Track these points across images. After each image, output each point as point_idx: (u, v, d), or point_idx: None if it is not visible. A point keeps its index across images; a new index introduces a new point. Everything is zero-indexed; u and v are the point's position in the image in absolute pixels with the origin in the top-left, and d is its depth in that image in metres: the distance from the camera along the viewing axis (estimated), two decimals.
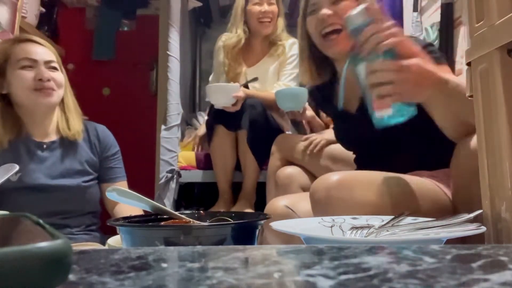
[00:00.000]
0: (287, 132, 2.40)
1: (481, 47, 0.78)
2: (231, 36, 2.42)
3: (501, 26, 0.73)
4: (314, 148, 1.84)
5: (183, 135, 2.71)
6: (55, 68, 1.42)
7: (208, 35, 3.77)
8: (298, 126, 2.65)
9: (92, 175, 1.46)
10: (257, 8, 2.33)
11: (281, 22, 2.40)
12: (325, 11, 1.26)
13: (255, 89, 2.39)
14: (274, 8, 2.35)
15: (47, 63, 1.41)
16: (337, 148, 1.85)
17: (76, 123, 1.46)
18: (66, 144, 1.44)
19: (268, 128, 2.22)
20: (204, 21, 3.76)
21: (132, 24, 3.97)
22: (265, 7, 2.32)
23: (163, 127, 2.48)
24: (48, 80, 1.38)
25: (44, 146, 1.42)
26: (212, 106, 2.28)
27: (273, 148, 1.97)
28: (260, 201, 2.18)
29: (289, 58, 2.43)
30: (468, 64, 0.83)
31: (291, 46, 2.43)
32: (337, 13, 1.25)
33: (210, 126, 2.32)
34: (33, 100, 1.38)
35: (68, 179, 1.40)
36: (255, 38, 2.42)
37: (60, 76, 1.43)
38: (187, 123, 2.96)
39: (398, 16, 2.51)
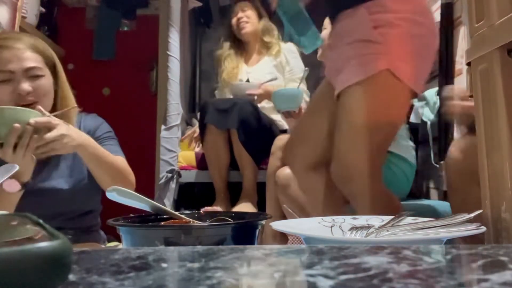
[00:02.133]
0: (287, 132, 2.41)
1: (481, 47, 0.78)
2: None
3: (501, 26, 0.73)
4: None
5: (183, 135, 2.71)
6: (37, 76, 1.26)
7: (208, 35, 3.77)
8: None
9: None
10: (234, 19, 2.65)
11: (262, 24, 2.64)
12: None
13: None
14: (248, 13, 2.63)
15: (27, 71, 1.24)
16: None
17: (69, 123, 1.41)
18: None
19: (260, 127, 2.24)
20: (204, 21, 3.76)
21: (132, 24, 3.97)
22: (239, 14, 2.62)
23: (163, 127, 2.48)
24: (28, 93, 1.23)
25: None
26: (203, 105, 2.33)
27: (273, 148, 1.97)
28: (261, 201, 2.19)
29: (290, 62, 2.56)
30: (468, 64, 0.83)
31: (289, 49, 2.61)
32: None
33: (201, 125, 2.34)
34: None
35: (66, 180, 1.38)
36: (247, 43, 2.65)
37: (43, 83, 1.27)
38: (187, 123, 2.96)
39: None
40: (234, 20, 2.63)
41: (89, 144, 1.28)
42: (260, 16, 2.63)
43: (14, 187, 1.16)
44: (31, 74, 1.25)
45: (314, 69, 2.33)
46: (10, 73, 1.23)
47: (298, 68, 2.54)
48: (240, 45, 2.67)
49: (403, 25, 1.27)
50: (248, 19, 2.60)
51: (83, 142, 1.26)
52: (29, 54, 1.26)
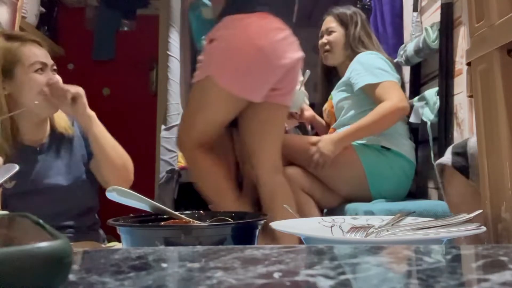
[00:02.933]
0: (288, 133, 2.41)
1: (481, 47, 0.78)
2: None
3: (501, 26, 0.73)
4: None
5: None
6: (55, 71, 1.41)
7: None
8: (301, 127, 2.66)
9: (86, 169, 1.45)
10: None
11: None
12: None
13: None
14: None
15: (51, 66, 1.39)
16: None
17: (61, 120, 1.44)
18: (57, 144, 1.42)
19: None
20: None
21: (132, 24, 3.97)
22: None
23: (163, 127, 2.48)
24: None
25: (38, 148, 1.39)
26: None
27: None
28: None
29: None
30: (468, 64, 0.83)
31: None
32: None
33: None
34: (41, 105, 1.34)
35: (64, 178, 1.38)
36: None
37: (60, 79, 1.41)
38: None
39: (398, 16, 2.51)
40: None
41: (95, 117, 1.39)
42: None
43: None
44: (53, 69, 1.40)
45: (314, 71, 2.32)
46: (44, 64, 1.37)
47: None
48: None
49: (224, 40, 1.65)
50: None
51: (94, 115, 1.38)
52: (46, 52, 1.41)
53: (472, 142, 1.03)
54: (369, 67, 1.94)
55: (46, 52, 1.40)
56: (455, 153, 1.07)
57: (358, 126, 1.87)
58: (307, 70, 2.11)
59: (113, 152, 1.39)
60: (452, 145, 1.12)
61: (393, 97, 1.84)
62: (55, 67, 1.41)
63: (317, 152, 1.84)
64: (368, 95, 1.94)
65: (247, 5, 1.65)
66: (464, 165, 1.04)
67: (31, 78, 1.34)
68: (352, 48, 2.06)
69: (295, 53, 1.71)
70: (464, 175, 1.04)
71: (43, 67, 1.36)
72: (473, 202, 1.02)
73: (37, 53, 1.37)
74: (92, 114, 1.38)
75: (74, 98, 1.34)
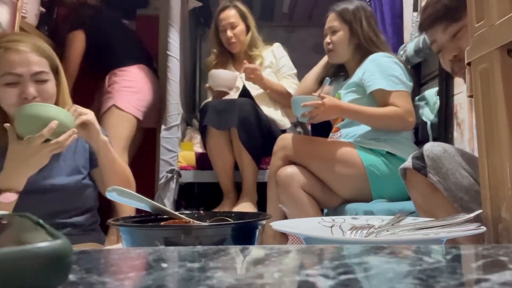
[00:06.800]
0: (288, 132, 2.41)
1: (481, 47, 0.78)
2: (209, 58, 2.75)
3: (501, 26, 0.73)
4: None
5: (183, 135, 2.71)
6: (43, 80, 1.29)
7: (208, 35, 3.76)
8: (303, 126, 2.65)
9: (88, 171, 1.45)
10: (223, 34, 2.59)
11: (249, 37, 2.60)
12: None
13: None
14: (237, 30, 2.57)
15: (34, 75, 1.27)
16: (341, 150, 1.86)
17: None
18: None
19: (260, 126, 2.24)
20: (204, 21, 3.76)
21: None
22: (228, 33, 2.57)
23: (163, 127, 2.48)
24: (34, 97, 1.26)
25: None
26: (202, 107, 2.33)
27: (275, 147, 1.97)
28: (261, 201, 2.19)
29: (280, 59, 2.58)
30: (468, 64, 0.83)
31: (277, 48, 2.63)
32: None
33: (202, 128, 2.34)
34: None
35: (67, 178, 1.38)
36: (236, 53, 2.65)
37: (49, 87, 1.30)
38: (187, 123, 2.96)
39: (398, 16, 2.51)
40: (223, 37, 2.57)
41: (107, 142, 1.36)
42: (248, 28, 2.59)
43: (10, 197, 1.18)
44: (37, 79, 1.28)
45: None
46: (17, 76, 1.25)
47: (288, 66, 2.57)
48: (227, 53, 2.66)
49: (119, 81, 2.59)
50: (236, 40, 2.56)
51: (104, 138, 1.35)
52: (36, 58, 1.28)
53: (427, 146, 1.19)
54: (385, 72, 1.90)
55: (32, 60, 1.27)
56: (414, 157, 1.23)
57: (362, 110, 1.87)
58: (327, 78, 2.08)
59: (118, 176, 1.38)
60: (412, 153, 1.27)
61: (403, 108, 1.86)
62: (41, 77, 1.28)
63: (322, 105, 1.84)
64: (377, 100, 1.92)
65: None
66: (422, 165, 1.18)
67: (1, 91, 1.26)
68: (360, 46, 2.03)
69: None
70: (423, 174, 1.18)
71: (17, 79, 1.25)
72: (432, 197, 1.17)
73: (11, 61, 1.25)
74: (105, 140, 1.34)
75: (84, 125, 1.29)
